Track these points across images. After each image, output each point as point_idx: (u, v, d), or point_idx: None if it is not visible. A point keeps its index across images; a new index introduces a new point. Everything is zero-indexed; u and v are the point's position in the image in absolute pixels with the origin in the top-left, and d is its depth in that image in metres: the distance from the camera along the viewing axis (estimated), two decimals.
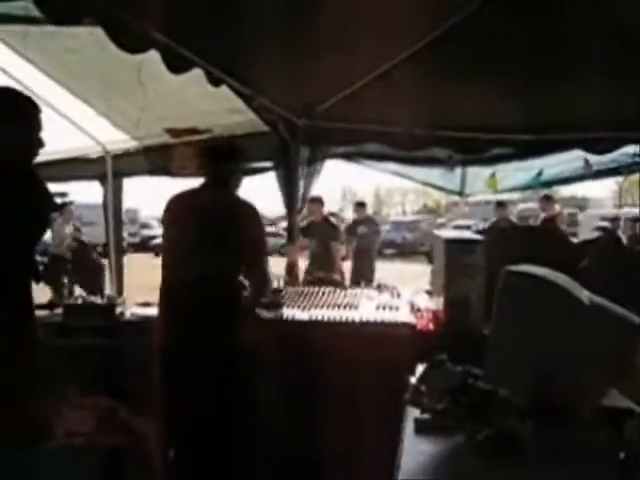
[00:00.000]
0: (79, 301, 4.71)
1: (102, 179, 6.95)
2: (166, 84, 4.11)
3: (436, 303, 3.90)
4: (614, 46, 3.98)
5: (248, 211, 3.55)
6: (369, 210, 14.48)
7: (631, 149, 5.89)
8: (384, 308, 4.02)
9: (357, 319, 3.79)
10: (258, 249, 3.63)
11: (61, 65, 4.48)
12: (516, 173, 7.01)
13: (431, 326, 3.76)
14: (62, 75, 4.67)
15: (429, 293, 4.42)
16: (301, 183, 6.22)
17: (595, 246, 4.48)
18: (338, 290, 4.59)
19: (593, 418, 1.91)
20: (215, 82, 4.02)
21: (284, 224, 6.52)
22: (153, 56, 3.40)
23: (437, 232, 4.17)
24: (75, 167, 6.69)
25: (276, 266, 5.08)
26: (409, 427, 1.98)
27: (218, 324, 3.39)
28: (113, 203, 7.15)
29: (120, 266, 7.58)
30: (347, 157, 6.75)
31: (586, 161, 6.34)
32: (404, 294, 4.48)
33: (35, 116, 2.66)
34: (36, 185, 2.63)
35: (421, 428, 1.95)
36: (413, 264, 11.50)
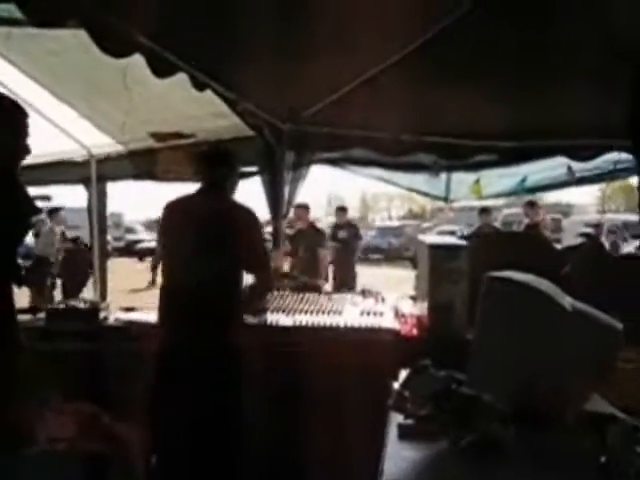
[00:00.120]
0: (62, 305, 4.68)
1: (86, 183, 6.93)
2: (151, 88, 4.10)
3: (420, 308, 3.90)
4: (598, 54, 4.00)
5: (246, 216, 3.53)
6: (355, 215, 14.53)
7: (613, 156, 5.93)
8: (368, 314, 4.02)
9: (341, 325, 3.79)
10: (258, 253, 3.61)
11: (44, 67, 4.46)
12: (500, 179, 7.03)
13: (415, 331, 3.76)
14: (45, 78, 4.65)
15: (413, 298, 4.43)
16: (286, 188, 6.22)
17: (578, 252, 4.50)
18: (322, 296, 4.59)
19: (576, 423, 1.91)
20: (199, 86, 4.01)
21: (269, 229, 6.49)
22: (138, 60, 3.39)
23: (421, 237, 4.17)
24: (59, 171, 6.68)
25: None
26: (392, 433, 1.98)
27: (218, 329, 3.38)
28: (97, 207, 7.14)
29: (104, 270, 7.55)
30: (332, 162, 6.75)
31: (569, 168, 6.38)
32: (388, 300, 4.48)
33: (22, 121, 2.63)
34: (16, 189, 2.60)
35: (404, 434, 1.95)
36: (398, 269, 11.53)
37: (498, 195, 7.77)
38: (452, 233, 14.72)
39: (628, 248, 19.80)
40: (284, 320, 3.90)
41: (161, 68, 3.53)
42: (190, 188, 3.68)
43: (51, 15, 2.79)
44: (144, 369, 3.46)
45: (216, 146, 4.31)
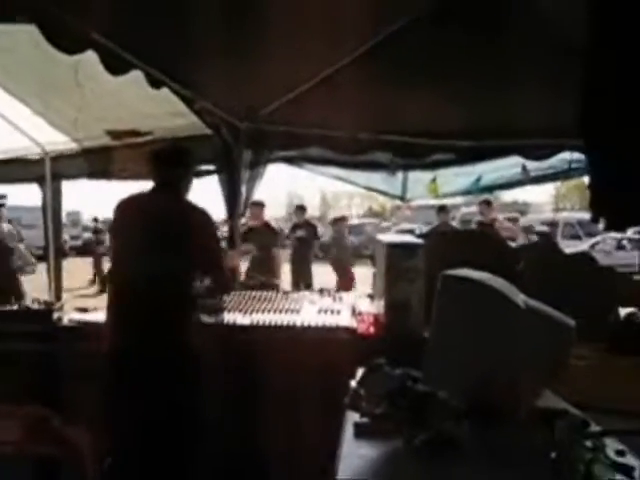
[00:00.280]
0: (15, 306, 4.58)
1: (41, 181, 6.82)
2: (104, 85, 4.03)
3: (377, 307, 3.92)
4: (551, 54, 4.07)
5: (199, 216, 3.49)
6: (316, 214, 14.61)
7: (567, 155, 6.02)
8: (326, 312, 4.03)
9: (299, 323, 3.79)
10: (211, 254, 3.57)
11: None
12: (456, 178, 7.09)
13: (372, 330, 3.78)
14: None
15: (371, 297, 4.45)
16: (244, 187, 6.20)
17: (531, 250, 4.58)
18: (280, 294, 4.59)
19: (528, 419, 1.94)
20: (155, 84, 3.96)
21: (225, 229, 6.45)
22: (90, 56, 3.33)
23: (379, 236, 4.18)
24: (13, 169, 6.57)
25: None
26: (349, 431, 1.98)
27: (168, 329, 3.34)
28: (52, 205, 7.03)
29: (59, 270, 7.41)
30: (290, 161, 6.73)
31: (524, 167, 6.47)
32: (346, 298, 4.50)
33: None
34: None
35: (360, 432, 1.95)
36: (359, 267, 11.54)
37: (454, 194, 7.83)
38: (410, 232, 14.81)
39: (582, 246, 20.23)
40: (242, 319, 3.88)
41: (115, 65, 3.47)
42: (148, 186, 3.63)
43: (0, 10, 2.74)
44: (98, 370, 3.42)
45: (171, 145, 4.25)
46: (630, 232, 20.75)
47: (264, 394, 3.62)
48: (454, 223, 15.38)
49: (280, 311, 4.06)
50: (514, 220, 14.95)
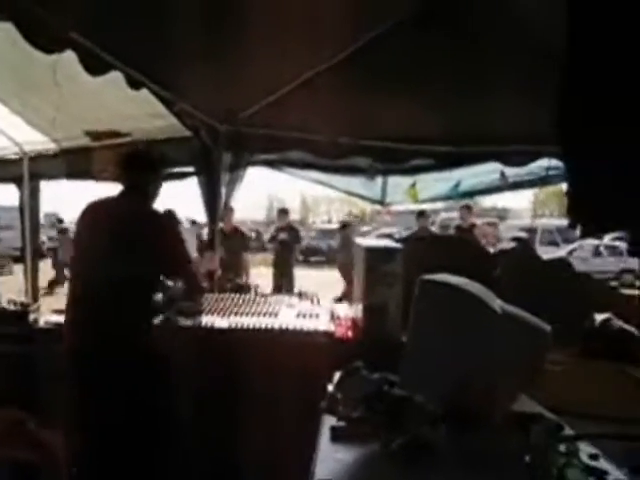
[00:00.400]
0: None
1: (19, 181, 6.75)
2: (83, 85, 3.99)
3: (355, 311, 3.93)
4: (529, 61, 4.10)
5: (163, 221, 3.52)
6: (296, 217, 14.64)
7: (545, 162, 6.07)
8: (304, 316, 4.02)
9: (277, 326, 3.78)
10: (177, 259, 3.59)
11: None
12: (435, 184, 7.12)
13: (350, 334, 3.79)
14: None
15: (349, 301, 4.45)
16: (223, 190, 6.18)
17: (508, 256, 4.60)
18: (258, 297, 4.57)
19: (503, 423, 1.95)
20: (135, 85, 3.93)
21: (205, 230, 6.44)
22: (69, 55, 3.29)
23: (357, 240, 4.19)
24: None
25: None
26: (325, 435, 1.98)
27: (126, 331, 3.34)
28: (30, 206, 6.95)
29: (36, 271, 7.34)
30: (270, 164, 6.73)
31: (502, 173, 6.51)
32: (325, 302, 4.50)
33: None
34: None
35: (337, 436, 1.95)
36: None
37: (433, 199, 7.86)
38: (390, 236, 14.84)
39: (560, 252, 20.40)
40: (219, 322, 3.87)
41: (94, 65, 3.44)
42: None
43: None
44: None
45: (141, 149, 4.25)
46: (607, 239, 21.02)
47: (241, 397, 3.60)
48: (433, 228, 15.45)
49: (258, 314, 4.05)
50: (493, 225, 15.06)
